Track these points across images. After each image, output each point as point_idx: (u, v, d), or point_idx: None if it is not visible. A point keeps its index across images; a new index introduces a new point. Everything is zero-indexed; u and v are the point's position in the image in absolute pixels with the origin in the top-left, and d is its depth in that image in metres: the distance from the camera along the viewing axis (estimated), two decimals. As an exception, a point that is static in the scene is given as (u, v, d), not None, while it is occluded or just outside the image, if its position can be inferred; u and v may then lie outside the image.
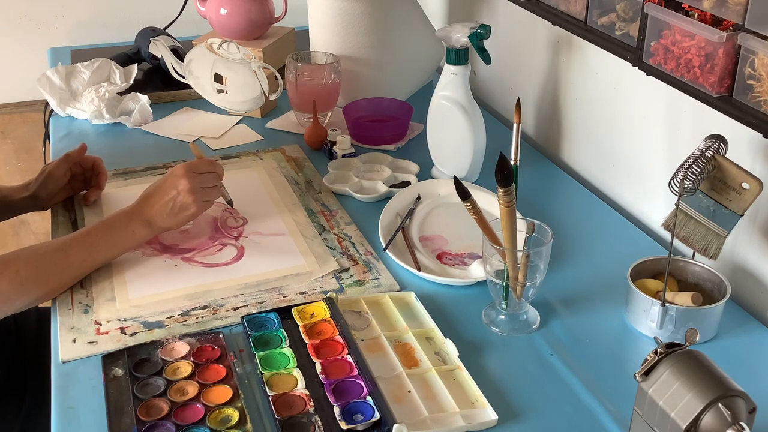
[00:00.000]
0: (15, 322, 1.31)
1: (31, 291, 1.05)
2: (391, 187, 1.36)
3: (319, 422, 0.88)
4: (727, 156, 1.00)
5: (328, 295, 1.07)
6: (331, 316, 1.03)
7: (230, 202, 1.29)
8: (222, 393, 0.92)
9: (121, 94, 1.65)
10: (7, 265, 1.04)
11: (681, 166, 0.98)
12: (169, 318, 1.05)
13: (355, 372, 0.94)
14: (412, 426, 0.86)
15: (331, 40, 1.64)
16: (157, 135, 1.59)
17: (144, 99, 1.62)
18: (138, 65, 1.85)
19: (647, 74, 1.10)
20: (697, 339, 0.81)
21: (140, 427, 0.87)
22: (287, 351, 0.98)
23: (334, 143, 1.48)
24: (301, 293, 1.11)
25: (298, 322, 1.02)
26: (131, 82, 1.67)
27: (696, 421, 0.74)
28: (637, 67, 1.12)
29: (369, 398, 0.90)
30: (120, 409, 0.90)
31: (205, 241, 1.23)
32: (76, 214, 1.31)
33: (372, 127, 1.56)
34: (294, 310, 1.04)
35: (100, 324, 1.04)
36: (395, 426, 0.85)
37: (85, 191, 1.34)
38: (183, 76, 1.66)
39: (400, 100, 1.62)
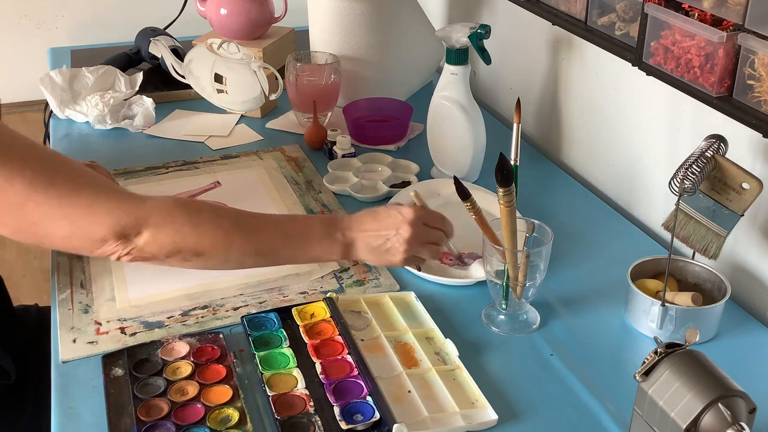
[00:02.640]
0: (16, 322, 1.31)
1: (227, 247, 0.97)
2: (391, 187, 1.36)
3: (319, 422, 0.88)
4: (727, 156, 1.00)
5: (328, 295, 1.07)
6: (331, 316, 1.03)
7: (459, 258, 1.18)
8: (222, 393, 0.92)
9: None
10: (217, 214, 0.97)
11: (681, 166, 0.98)
12: (169, 318, 1.05)
13: (355, 372, 0.94)
14: (412, 426, 0.86)
15: (331, 40, 1.64)
16: (157, 137, 1.59)
17: (149, 102, 1.62)
18: (138, 65, 1.85)
19: (647, 74, 1.10)
20: (697, 339, 0.81)
21: (140, 427, 0.87)
22: (287, 351, 0.98)
23: (334, 143, 1.48)
24: (301, 293, 1.11)
25: (298, 322, 1.02)
26: (136, 89, 1.67)
27: (696, 421, 0.74)
28: (637, 67, 1.12)
29: (369, 398, 0.90)
30: (120, 409, 0.90)
31: (205, 241, 1.23)
32: (76, 214, 1.30)
33: (372, 127, 1.56)
34: (294, 310, 1.04)
35: (100, 324, 1.04)
36: (395, 426, 0.85)
37: None
38: (183, 76, 1.66)
39: (400, 100, 1.62)
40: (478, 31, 1.28)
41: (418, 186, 1.34)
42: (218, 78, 1.61)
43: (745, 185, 0.98)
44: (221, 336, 1.01)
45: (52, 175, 0.89)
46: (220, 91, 1.62)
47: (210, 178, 1.42)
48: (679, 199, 1.00)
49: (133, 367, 0.96)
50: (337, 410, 0.88)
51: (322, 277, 1.14)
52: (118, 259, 0.94)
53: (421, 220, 1.05)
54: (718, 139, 1.00)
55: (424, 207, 1.10)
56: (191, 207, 0.98)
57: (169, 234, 0.94)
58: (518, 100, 1.19)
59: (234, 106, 1.64)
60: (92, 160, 1.36)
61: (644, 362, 0.80)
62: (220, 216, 0.99)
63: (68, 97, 1.64)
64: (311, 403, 0.90)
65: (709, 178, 1.00)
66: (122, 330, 1.03)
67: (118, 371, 0.96)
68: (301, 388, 0.92)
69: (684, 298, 1.01)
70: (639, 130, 1.30)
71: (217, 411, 0.90)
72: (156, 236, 0.93)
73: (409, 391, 0.92)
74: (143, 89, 1.69)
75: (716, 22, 0.98)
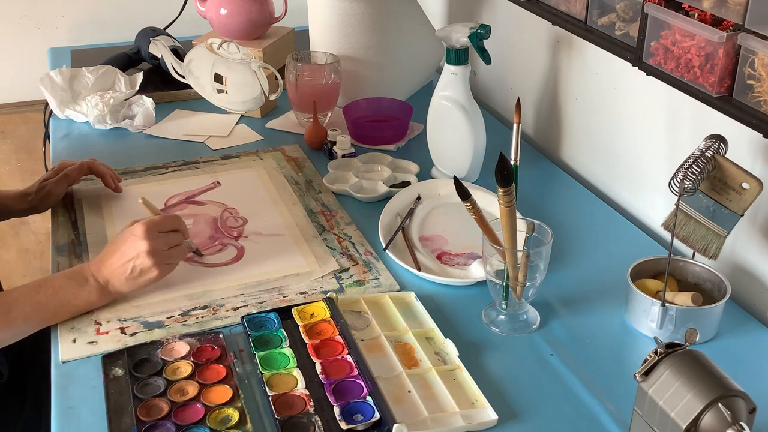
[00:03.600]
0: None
1: None
2: (391, 187, 1.36)
3: (319, 422, 0.88)
4: (727, 156, 1.00)
5: (328, 295, 1.07)
6: (331, 316, 1.03)
7: (197, 252, 1.19)
8: (222, 393, 0.92)
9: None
10: None
11: (681, 166, 0.98)
12: (169, 318, 1.05)
13: (355, 372, 0.94)
14: (412, 426, 0.86)
15: (331, 40, 1.64)
16: (157, 137, 1.59)
17: (149, 102, 1.62)
18: (138, 65, 1.85)
19: (647, 74, 1.10)
20: (697, 339, 0.81)
21: (140, 427, 0.87)
22: (287, 351, 0.98)
23: (334, 143, 1.48)
24: (301, 293, 1.11)
25: (298, 322, 1.02)
26: (136, 89, 1.67)
27: (696, 421, 0.74)
28: (637, 67, 1.12)
29: (369, 398, 0.90)
30: (120, 409, 0.90)
31: (205, 241, 1.23)
32: (76, 214, 1.31)
33: (372, 127, 1.56)
34: (294, 310, 1.04)
35: (100, 324, 1.04)
36: (395, 426, 0.85)
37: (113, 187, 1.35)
38: (183, 76, 1.66)
39: (400, 100, 1.62)
40: (478, 31, 1.27)
41: (417, 186, 1.34)
42: (218, 78, 1.61)
43: (745, 185, 0.98)
44: (221, 336, 1.01)
45: None
46: (220, 91, 1.62)
47: (210, 178, 1.42)
48: (679, 199, 1.00)
49: (133, 367, 0.96)
50: (337, 410, 0.88)
51: (322, 277, 1.14)
52: None
53: (155, 229, 1.06)
54: (718, 139, 1.00)
55: (155, 212, 1.12)
56: None
57: None
58: (518, 100, 1.19)
59: (234, 106, 1.64)
60: (93, 159, 1.36)
61: (644, 362, 0.80)
62: None
63: (68, 97, 1.64)
64: (311, 403, 0.90)
65: (709, 178, 1.00)
66: (122, 330, 1.03)
67: (118, 371, 0.96)
68: (301, 388, 0.92)
69: (684, 298, 1.01)
70: (639, 130, 1.30)
71: (217, 411, 0.90)
72: None
73: (409, 391, 0.92)
74: (143, 89, 1.69)
75: (716, 22, 0.98)
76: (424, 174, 1.42)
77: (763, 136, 0.94)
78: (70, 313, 1.04)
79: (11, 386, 1.27)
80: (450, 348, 0.99)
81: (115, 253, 1.06)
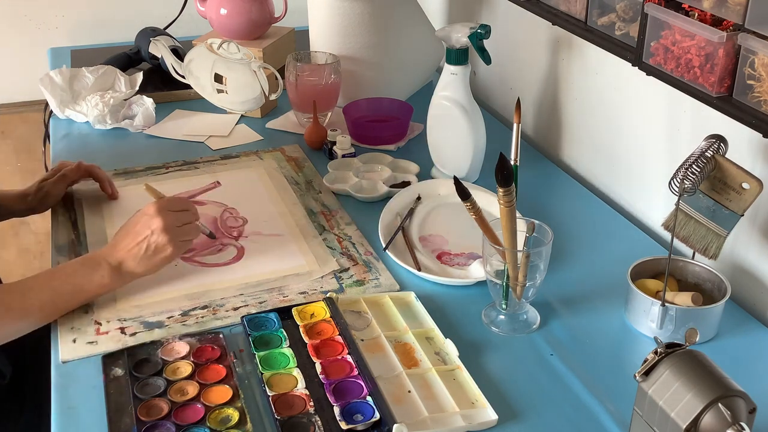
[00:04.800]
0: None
1: None
2: (391, 187, 1.36)
3: (319, 422, 0.88)
4: (727, 156, 1.00)
5: (328, 295, 1.07)
6: (331, 316, 1.03)
7: (211, 235, 1.21)
8: (222, 393, 0.92)
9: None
10: None
11: (681, 166, 0.98)
12: (169, 318, 1.05)
13: (355, 372, 0.94)
14: (412, 426, 0.86)
15: (331, 40, 1.64)
16: (157, 137, 1.59)
17: (149, 102, 1.62)
18: (138, 65, 1.85)
19: (647, 74, 1.10)
20: (697, 339, 0.81)
21: (140, 427, 0.87)
22: (287, 351, 0.98)
23: (334, 143, 1.48)
24: (301, 293, 1.11)
25: (298, 322, 1.02)
26: (136, 89, 1.67)
27: (696, 421, 0.74)
28: (637, 67, 1.12)
29: (369, 398, 0.90)
30: (120, 409, 0.90)
31: (205, 241, 1.23)
32: (76, 214, 1.31)
33: (372, 127, 1.56)
34: (294, 310, 1.04)
35: (100, 324, 1.04)
36: (395, 426, 0.85)
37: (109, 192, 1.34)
38: (183, 76, 1.66)
39: (400, 100, 1.62)
40: (478, 31, 1.27)
41: (417, 186, 1.34)
42: (218, 78, 1.61)
43: (745, 185, 0.98)
44: (221, 336, 1.01)
45: None
46: (220, 91, 1.62)
47: (210, 178, 1.42)
48: (679, 199, 1.00)
49: (133, 367, 0.96)
50: (337, 410, 0.88)
51: (322, 277, 1.14)
52: None
53: (165, 208, 1.07)
54: (718, 139, 1.00)
55: (161, 196, 1.12)
56: None
57: None
58: (518, 100, 1.19)
59: (234, 106, 1.64)
60: (93, 164, 1.35)
61: (644, 362, 0.80)
62: None
63: (68, 97, 1.64)
64: (311, 403, 0.90)
65: (709, 178, 1.00)
66: (122, 330, 1.03)
67: (118, 371, 0.96)
68: (301, 388, 0.92)
69: (684, 298, 1.01)
70: (639, 130, 1.30)
71: (217, 411, 0.90)
72: None
73: (409, 391, 0.92)
74: (143, 89, 1.69)
75: (716, 22, 0.98)
76: (424, 174, 1.42)
77: (763, 136, 0.94)
78: (85, 299, 1.05)
79: (12, 387, 1.27)
80: (450, 348, 0.99)
81: (128, 234, 1.06)
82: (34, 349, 1.30)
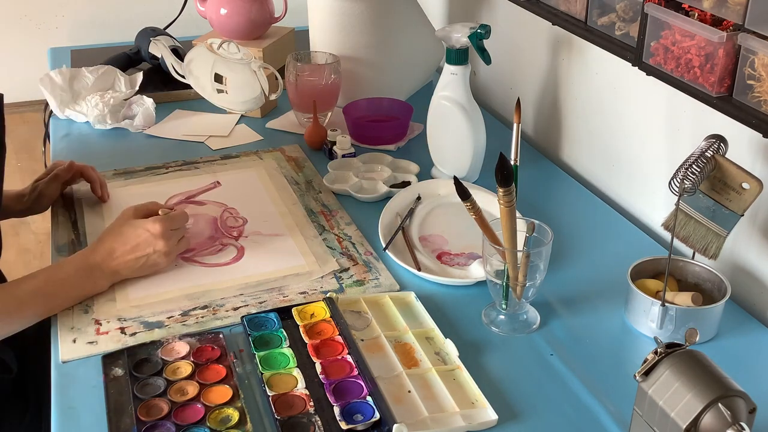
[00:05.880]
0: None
1: None
2: (391, 187, 1.36)
3: (319, 422, 0.88)
4: (727, 156, 1.00)
5: (328, 295, 1.07)
6: (331, 316, 1.03)
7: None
8: (222, 393, 0.92)
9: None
10: None
11: (681, 166, 0.98)
12: (169, 318, 1.05)
13: (355, 372, 0.94)
14: (412, 426, 0.86)
15: (331, 40, 1.64)
16: (157, 137, 1.59)
17: (149, 102, 1.62)
18: (138, 65, 1.85)
19: (647, 74, 1.10)
20: (697, 339, 0.81)
21: (140, 427, 0.87)
22: (287, 351, 0.98)
23: (334, 143, 1.48)
24: (301, 293, 1.11)
25: (298, 322, 1.02)
26: (136, 88, 1.67)
27: (696, 421, 0.74)
28: (637, 67, 1.12)
29: (369, 398, 0.90)
30: (120, 409, 0.90)
31: (205, 241, 1.23)
32: (76, 213, 1.31)
33: (372, 127, 1.56)
34: (294, 310, 1.04)
35: (100, 324, 1.04)
36: (395, 426, 0.85)
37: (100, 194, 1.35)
38: (183, 76, 1.66)
39: (400, 100, 1.62)
40: (478, 31, 1.27)
41: (417, 186, 1.34)
42: (218, 78, 1.61)
43: (745, 185, 0.98)
44: (221, 336, 1.01)
45: None
46: (220, 91, 1.62)
47: (210, 178, 1.42)
48: (679, 199, 1.00)
49: (133, 367, 0.96)
50: (337, 410, 0.88)
51: (322, 277, 1.14)
52: None
53: (170, 227, 1.13)
54: (718, 139, 1.00)
55: (167, 212, 1.16)
56: None
57: None
58: (518, 100, 1.19)
59: (234, 106, 1.64)
60: (87, 165, 1.35)
61: (644, 362, 0.80)
62: None
63: (68, 97, 1.64)
64: (311, 403, 0.90)
65: (709, 178, 1.00)
66: (122, 330, 1.03)
67: (118, 371, 0.96)
68: (301, 388, 0.92)
69: (684, 298, 1.01)
70: (639, 130, 1.30)
71: (217, 411, 0.90)
72: None
73: (409, 391, 0.92)
74: (143, 89, 1.69)
75: (716, 22, 0.98)
76: (424, 174, 1.42)
77: (763, 136, 0.94)
78: (78, 300, 1.08)
79: (14, 386, 1.27)
80: (450, 348, 0.99)
81: (126, 244, 1.10)
82: (35, 349, 1.30)
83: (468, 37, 1.28)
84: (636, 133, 1.31)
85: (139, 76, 1.69)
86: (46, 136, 1.63)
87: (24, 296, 1.04)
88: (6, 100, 1.17)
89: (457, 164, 1.37)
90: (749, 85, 0.95)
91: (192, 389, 0.93)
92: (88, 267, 1.08)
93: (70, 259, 1.10)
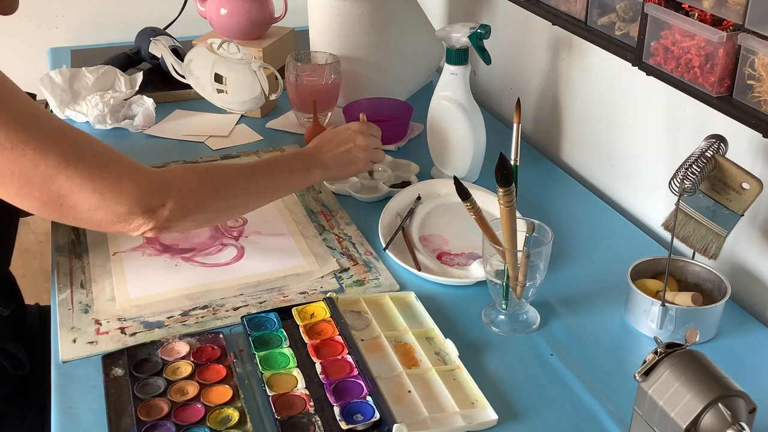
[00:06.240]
0: (18, 322, 1.31)
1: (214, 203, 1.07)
2: (391, 187, 1.36)
3: (319, 422, 0.88)
4: (727, 156, 1.00)
5: (328, 295, 1.07)
6: (331, 316, 1.03)
7: (371, 173, 1.37)
8: (222, 393, 0.92)
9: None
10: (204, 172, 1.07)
11: (681, 166, 0.98)
12: (169, 318, 1.05)
13: (355, 372, 0.94)
14: (412, 426, 0.86)
15: (331, 40, 1.64)
16: (157, 137, 1.59)
17: (149, 102, 1.62)
18: (138, 65, 1.85)
19: (647, 74, 1.10)
20: (697, 339, 0.81)
21: (140, 427, 0.87)
22: (287, 351, 0.98)
23: (334, 143, 1.48)
24: (301, 293, 1.11)
25: (298, 322, 1.02)
26: (136, 88, 1.67)
27: (696, 421, 0.74)
28: (637, 67, 1.12)
29: (369, 398, 0.90)
30: (120, 409, 0.90)
31: (205, 241, 1.23)
32: (76, 214, 1.31)
33: (372, 127, 1.56)
34: (294, 310, 1.04)
35: (100, 324, 1.04)
36: (395, 426, 0.85)
37: None
38: (183, 76, 1.66)
39: (400, 100, 1.62)
40: (478, 31, 1.27)
41: (417, 186, 1.34)
42: (218, 78, 1.61)
43: (745, 185, 0.98)
44: (221, 336, 1.01)
45: (83, 150, 0.94)
46: (220, 91, 1.62)
47: (210, 178, 1.42)
48: (679, 199, 1.00)
49: (133, 367, 0.96)
50: (337, 410, 0.88)
51: (322, 277, 1.14)
52: (142, 234, 1.00)
53: (368, 130, 1.27)
54: (718, 139, 1.00)
55: (365, 121, 1.31)
56: (200, 169, 1.06)
57: (190, 198, 1.01)
58: (518, 100, 1.19)
59: (234, 106, 1.64)
60: None
61: (644, 362, 0.80)
62: (222, 172, 1.09)
63: (68, 97, 1.64)
64: (311, 403, 0.90)
65: (709, 178, 1.00)
66: (122, 330, 1.03)
67: (118, 371, 0.96)
68: (301, 388, 0.92)
69: (684, 298, 1.01)
70: (639, 130, 1.30)
71: (217, 411, 0.90)
72: (179, 203, 0.99)
73: (409, 391, 0.92)
74: (143, 89, 1.69)
75: (716, 22, 0.98)
76: (424, 174, 1.42)
77: (763, 136, 0.94)
78: (295, 189, 1.25)
79: (16, 386, 1.27)
80: (450, 348, 0.99)
81: (331, 141, 1.23)
82: (36, 348, 1.30)
83: (468, 37, 1.28)
84: (636, 133, 1.31)
85: (139, 76, 1.69)
86: (46, 136, 1.63)
87: (256, 166, 1.13)
88: (6, 100, 1.17)
89: (457, 164, 1.37)
90: (749, 85, 0.95)
91: (192, 389, 0.93)
92: (303, 156, 1.20)
93: (293, 154, 1.21)
